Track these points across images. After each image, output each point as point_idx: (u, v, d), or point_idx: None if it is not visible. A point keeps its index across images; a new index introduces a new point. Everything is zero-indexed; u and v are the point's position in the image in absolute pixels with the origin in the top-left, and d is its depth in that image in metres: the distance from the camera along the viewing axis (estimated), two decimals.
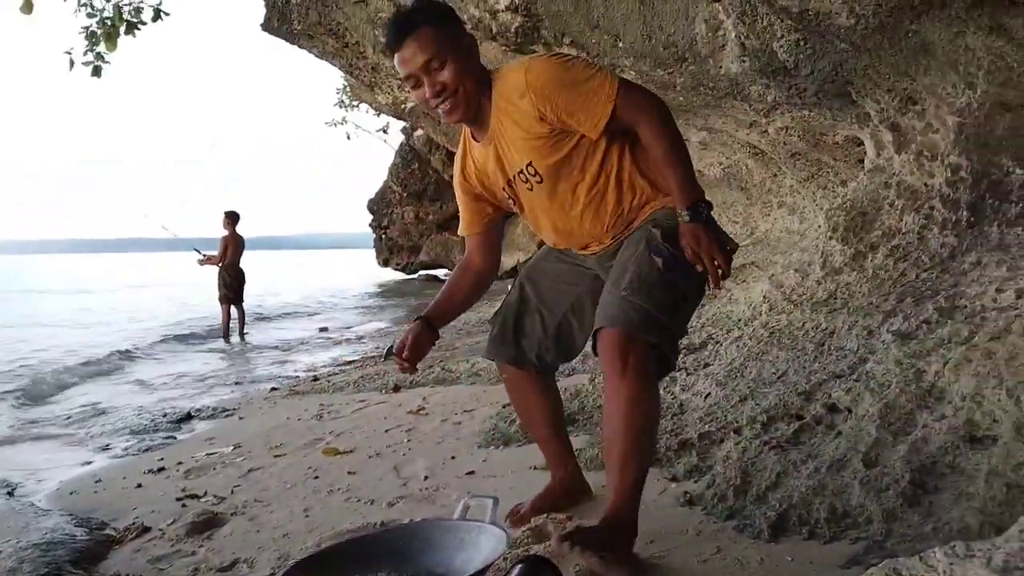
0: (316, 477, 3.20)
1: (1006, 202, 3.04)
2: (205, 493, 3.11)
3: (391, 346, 2.12)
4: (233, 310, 10.55)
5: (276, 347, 9.11)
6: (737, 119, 6.33)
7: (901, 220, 3.34)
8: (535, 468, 2.87)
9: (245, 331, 10.64)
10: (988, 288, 2.62)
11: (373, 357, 7.34)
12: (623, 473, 1.77)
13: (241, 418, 4.85)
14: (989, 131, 3.09)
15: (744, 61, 4.50)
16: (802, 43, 3.64)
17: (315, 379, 6.13)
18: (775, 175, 7.38)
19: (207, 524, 2.71)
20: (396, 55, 1.89)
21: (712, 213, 1.88)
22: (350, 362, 7.26)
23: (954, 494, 1.83)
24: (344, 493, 2.93)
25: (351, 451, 3.59)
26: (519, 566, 1.24)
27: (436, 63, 1.86)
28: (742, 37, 4.17)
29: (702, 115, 6.59)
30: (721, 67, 5.05)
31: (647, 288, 1.85)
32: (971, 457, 1.88)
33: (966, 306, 2.53)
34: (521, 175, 2.01)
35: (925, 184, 3.51)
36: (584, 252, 2.14)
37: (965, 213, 3.12)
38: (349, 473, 3.21)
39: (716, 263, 1.80)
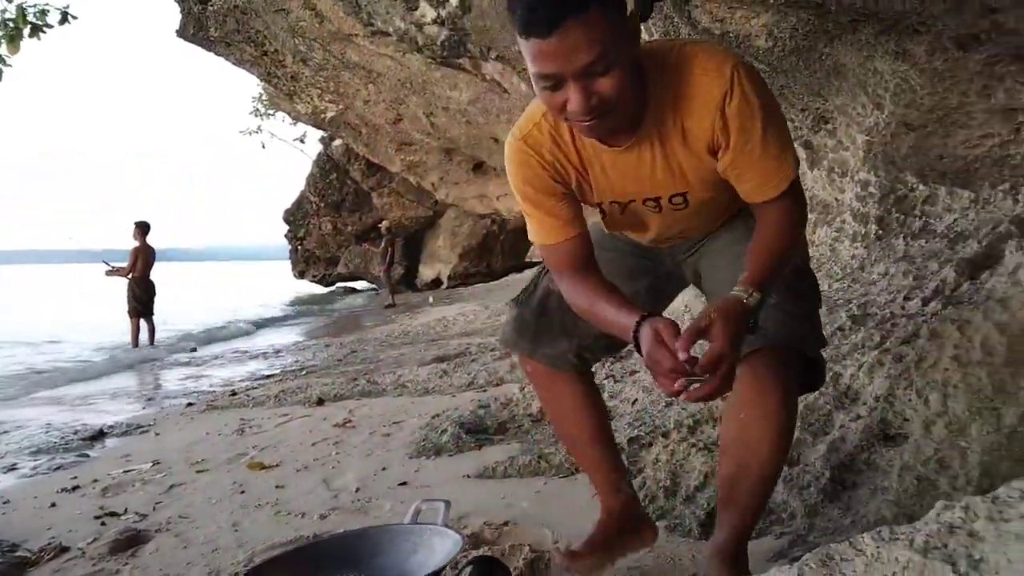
0: (243, 491, 3.13)
1: (911, 216, 3.24)
2: (126, 511, 3.00)
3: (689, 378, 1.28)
4: (143, 323, 10.20)
5: (188, 362, 8.84)
6: None
7: (815, 233, 3.52)
8: (468, 476, 2.89)
9: (155, 345, 10.29)
10: (896, 296, 2.78)
11: (293, 371, 7.21)
12: (755, 508, 1.58)
13: (157, 434, 4.69)
14: (895, 149, 3.29)
15: None
16: None
17: (233, 394, 5.97)
18: None
19: (130, 542, 2.62)
20: (536, 41, 1.27)
21: None
22: (268, 376, 7.10)
23: (870, 489, 1.94)
24: (273, 507, 2.88)
25: (277, 465, 3.52)
26: (470, 567, 1.26)
27: (600, 66, 1.28)
28: None
29: None
30: None
31: (796, 294, 1.56)
32: (885, 454, 2.00)
33: (876, 313, 2.68)
34: (670, 201, 1.56)
35: (836, 199, 3.71)
36: (661, 245, 1.78)
37: (873, 226, 3.31)
38: (277, 487, 3.15)
39: (721, 378, 1.28)
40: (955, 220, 3.05)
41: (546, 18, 1.25)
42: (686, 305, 3.62)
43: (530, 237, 1.63)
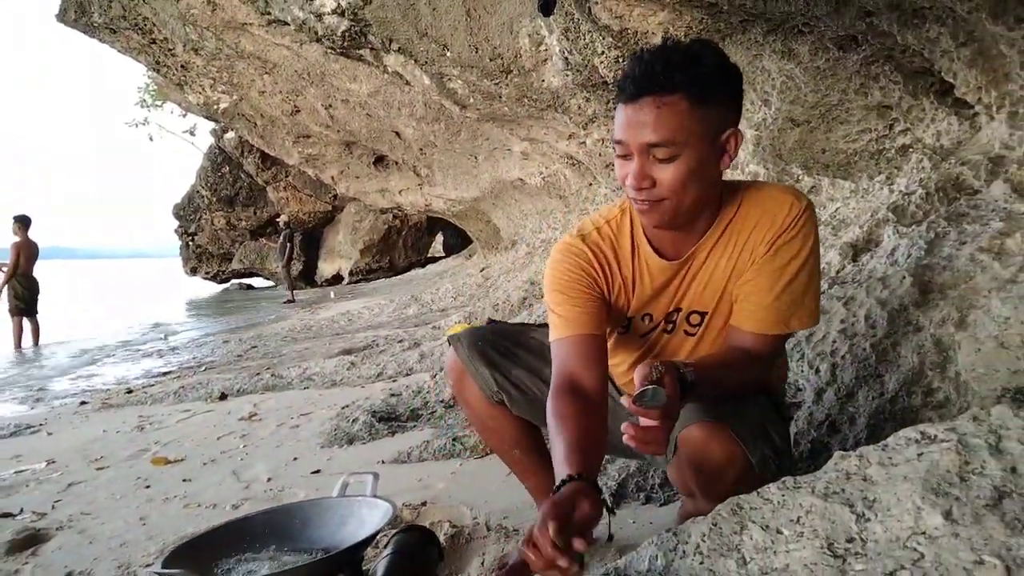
0: (148, 487, 3.06)
1: None
2: (21, 511, 2.88)
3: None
4: (26, 323, 9.67)
5: (78, 361, 8.44)
6: (557, 131, 6.68)
7: None
8: (383, 462, 2.91)
9: (39, 346, 9.76)
10: None
11: (191, 367, 7.00)
12: None
13: (50, 433, 4.48)
14: (782, 143, 3.50)
15: (567, 75, 4.78)
16: (621, 60, 3.94)
17: (129, 391, 5.76)
18: (591, 184, 7.82)
19: (29, 541, 2.52)
20: (620, 105, 1.31)
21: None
22: (165, 373, 6.87)
23: None
24: (182, 500, 2.83)
25: (182, 459, 3.45)
26: (400, 535, 1.31)
27: (664, 152, 1.28)
28: (565, 52, 4.44)
29: (525, 126, 6.89)
30: (544, 80, 5.33)
31: (750, 403, 1.48)
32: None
33: None
34: (687, 319, 1.50)
35: None
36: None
37: None
38: (184, 481, 3.09)
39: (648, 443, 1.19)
40: (837, 208, 3.27)
41: (634, 86, 1.27)
42: None
43: (550, 336, 1.50)
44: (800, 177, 3.53)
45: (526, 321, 3.59)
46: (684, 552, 1.18)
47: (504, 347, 1.76)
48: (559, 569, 1.03)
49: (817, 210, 3.44)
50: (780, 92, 3.36)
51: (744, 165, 3.74)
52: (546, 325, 1.59)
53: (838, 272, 2.57)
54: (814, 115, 3.36)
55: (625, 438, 1.16)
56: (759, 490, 1.22)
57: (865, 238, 2.72)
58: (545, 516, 1.06)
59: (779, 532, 1.12)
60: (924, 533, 1.02)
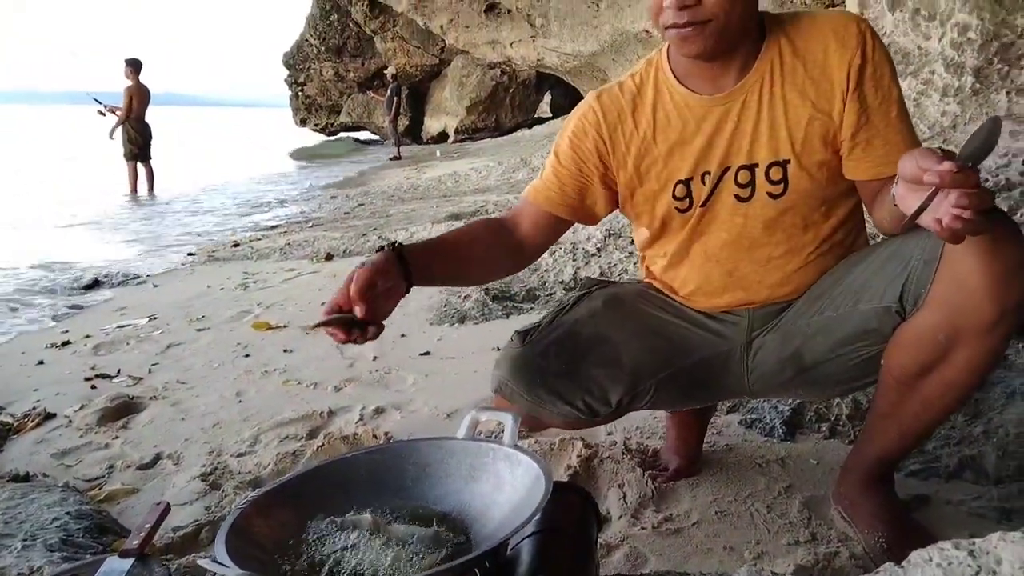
0: (247, 355, 2.85)
1: (1016, 67, 2.79)
2: (118, 373, 2.72)
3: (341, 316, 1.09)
4: (141, 168, 9.75)
5: (190, 210, 8.47)
6: None
7: None
8: (498, 349, 2.58)
9: (154, 192, 9.87)
10: (996, 161, 2.39)
11: (298, 223, 6.86)
12: (928, 423, 1.24)
13: (156, 286, 4.39)
14: None
15: None
16: None
17: (236, 244, 5.65)
18: None
19: (122, 410, 2.35)
20: None
21: None
22: (272, 227, 6.76)
23: None
24: (281, 374, 2.60)
25: (284, 326, 3.23)
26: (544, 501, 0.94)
27: None
28: None
29: None
30: None
31: None
32: None
33: None
34: (767, 175, 1.26)
35: (920, 47, 3.23)
36: (730, 304, 1.38)
37: (969, 79, 2.86)
38: (284, 351, 2.87)
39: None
40: None
41: None
42: None
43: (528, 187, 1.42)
44: None
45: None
46: None
47: (561, 368, 1.34)
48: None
49: None
50: None
51: (948, 15, 3.04)
52: (588, 295, 1.45)
53: None
54: None
55: (944, 222, 0.88)
56: None
57: None
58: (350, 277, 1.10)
59: None
60: None
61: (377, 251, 1.18)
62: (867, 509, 1.29)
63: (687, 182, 1.29)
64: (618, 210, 1.42)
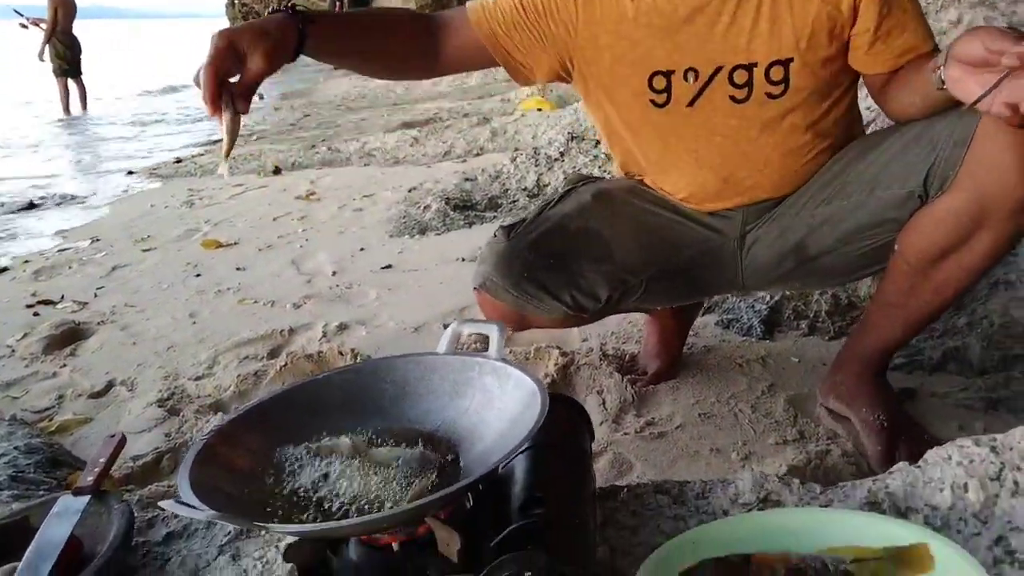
0: (198, 275, 2.72)
1: None
2: (62, 298, 2.58)
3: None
4: (72, 85, 9.22)
5: (127, 126, 8.06)
6: None
7: None
8: (462, 260, 2.50)
9: (87, 109, 9.37)
10: None
11: (241, 136, 6.55)
12: (932, 310, 1.20)
13: (96, 207, 4.18)
14: None
15: None
16: None
17: (178, 161, 5.39)
18: None
19: (68, 337, 2.23)
20: None
21: None
22: (215, 142, 6.47)
23: None
24: (236, 293, 2.49)
25: (235, 243, 3.10)
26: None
27: None
28: None
29: None
30: None
31: None
32: None
33: None
34: (766, 75, 1.15)
35: None
36: (724, 207, 1.29)
37: None
38: (237, 269, 2.75)
39: None
40: None
41: None
42: None
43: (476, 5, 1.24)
44: None
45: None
46: (1018, 484, 0.73)
47: (549, 262, 1.25)
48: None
49: None
50: None
51: None
52: (575, 190, 1.35)
53: None
54: None
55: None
56: None
57: None
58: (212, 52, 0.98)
59: None
60: None
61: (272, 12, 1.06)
62: (866, 394, 1.26)
63: (668, 75, 1.18)
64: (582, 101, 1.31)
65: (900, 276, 1.17)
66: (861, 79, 1.21)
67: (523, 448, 0.79)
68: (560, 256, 1.25)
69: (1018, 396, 1.31)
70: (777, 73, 1.15)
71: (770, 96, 1.16)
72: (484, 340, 0.98)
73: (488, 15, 1.21)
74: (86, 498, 0.95)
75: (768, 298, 1.75)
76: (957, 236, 1.08)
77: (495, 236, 1.30)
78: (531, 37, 1.21)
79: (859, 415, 1.26)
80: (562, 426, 0.91)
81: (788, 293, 1.74)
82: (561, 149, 3.28)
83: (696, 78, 1.17)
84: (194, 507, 0.65)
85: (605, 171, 2.84)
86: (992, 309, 1.49)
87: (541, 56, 1.23)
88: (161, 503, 0.66)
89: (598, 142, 3.07)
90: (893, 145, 1.15)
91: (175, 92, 11.57)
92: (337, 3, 15.78)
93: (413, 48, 1.24)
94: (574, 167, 3.10)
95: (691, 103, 1.18)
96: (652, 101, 1.20)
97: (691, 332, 1.68)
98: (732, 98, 1.17)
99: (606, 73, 1.21)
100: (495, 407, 0.85)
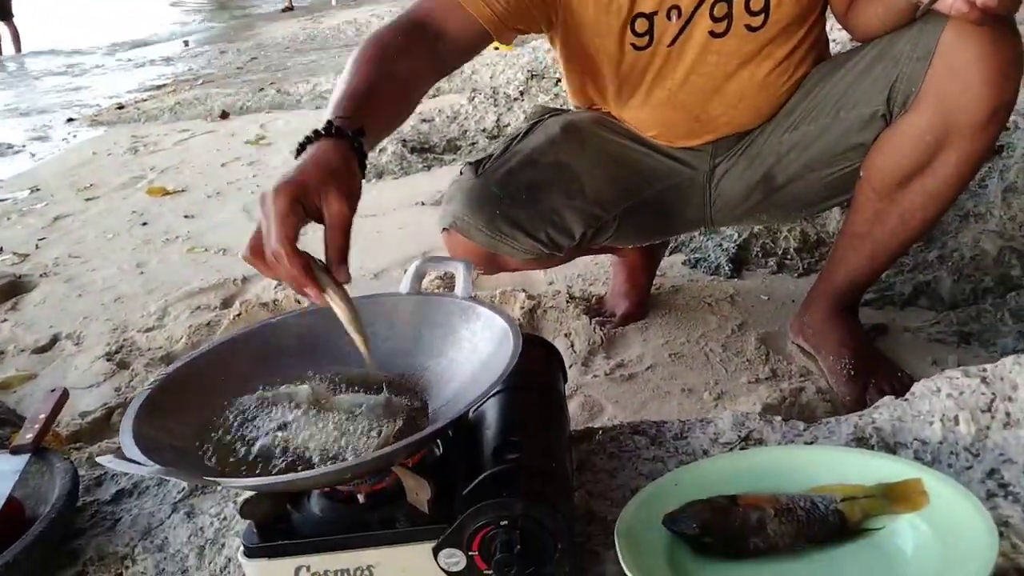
0: (144, 223, 2.61)
1: None
2: (1, 250, 2.46)
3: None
4: (3, 27, 8.77)
5: (64, 71, 7.70)
6: None
7: None
8: (422, 204, 2.43)
9: (21, 52, 8.93)
10: None
11: (187, 80, 6.32)
12: (903, 240, 1.18)
13: (33, 155, 3.99)
14: None
15: None
16: None
17: (120, 107, 5.16)
18: None
19: (8, 290, 2.13)
20: None
21: None
22: (160, 87, 6.21)
23: None
24: (185, 242, 2.39)
25: (183, 190, 2.98)
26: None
27: None
28: None
29: None
30: None
31: None
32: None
33: None
34: (746, 5, 1.11)
35: None
36: (694, 144, 1.25)
37: None
38: (186, 217, 2.64)
39: None
40: None
41: None
42: None
43: None
44: None
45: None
46: (1010, 416, 0.71)
47: (521, 198, 1.18)
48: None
49: None
50: None
51: None
52: (542, 122, 1.28)
53: None
54: None
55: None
56: None
57: None
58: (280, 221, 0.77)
59: None
60: None
61: (311, 143, 0.81)
62: (833, 337, 1.24)
63: (650, 16, 1.12)
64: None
65: (866, 203, 1.14)
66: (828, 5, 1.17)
67: (495, 391, 0.74)
68: (532, 191, 1.18)
69: (990, 328, 1.30)
70: (757, 3, 1.10)
71: (749, 28, 1.12)
72: (449, 282, 0.93)
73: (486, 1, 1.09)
74: (25, 457, 0.89)
75: (736, 236, 1.72)
76: (921, 156, 1.05)
77: (461, 173, 1.23)
78: (523, 5, 1.11)
79: (826, 362, 1.25)
80: (535, 367, 0.86)
81: (756, 230, 1.71)
82: (520, 88, 3.19)
83: (679, 15, 1.11)
84: (138, 462, 0.59)
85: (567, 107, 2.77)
86: (962, 242, 1.47)
87: (530, 21, 1.14)
88: (99, 458, 0.60)
89: (558, 80, 2.98)
90: (857, 65, 1.11)
91: (113, 36, 11.08)
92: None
93: (428, 79, 1.09)
94: (534, 106, 3.02)
95: (672, 42, 1.13)
96: (633, 44, 1.14)
97: (658, 272, 1.64)
98: (712, 33, 1.12)
99: (590, 24, 1.14)
100: (464, 348, 0.80)
